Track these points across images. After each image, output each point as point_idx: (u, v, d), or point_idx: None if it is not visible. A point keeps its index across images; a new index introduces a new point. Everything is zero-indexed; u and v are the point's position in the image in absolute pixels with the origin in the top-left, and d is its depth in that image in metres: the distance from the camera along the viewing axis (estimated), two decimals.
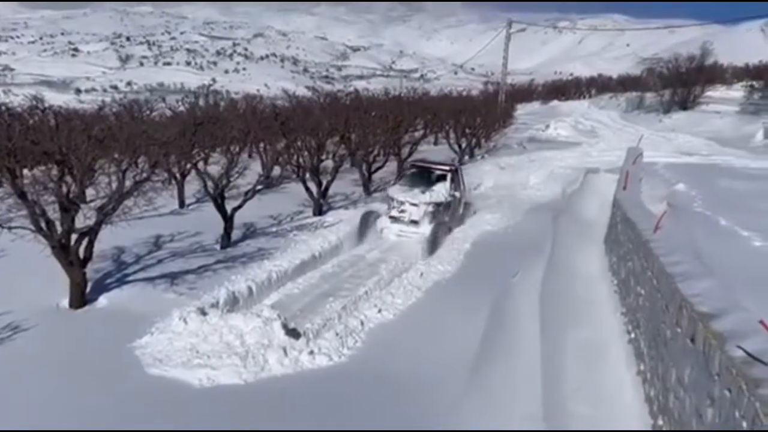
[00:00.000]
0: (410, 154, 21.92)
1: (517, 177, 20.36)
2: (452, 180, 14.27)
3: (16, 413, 5.99)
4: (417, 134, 24.91)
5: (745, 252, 8.95)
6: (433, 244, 12.40)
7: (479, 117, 28.44)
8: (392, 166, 21.07)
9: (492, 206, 16.25)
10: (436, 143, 31.01)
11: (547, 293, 9.70)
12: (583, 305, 9.53)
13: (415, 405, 6.26)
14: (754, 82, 38.89)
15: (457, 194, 14.52)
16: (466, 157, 25.91)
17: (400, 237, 13.24)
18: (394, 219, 13.54)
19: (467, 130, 27.29)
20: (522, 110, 54.95)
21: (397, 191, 14.02)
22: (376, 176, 19.39)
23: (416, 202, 13.49)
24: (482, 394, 6.63)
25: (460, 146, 26.22)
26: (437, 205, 13.60)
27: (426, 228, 13.05)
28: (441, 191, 13.88)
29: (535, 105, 62.79)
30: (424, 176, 14.43)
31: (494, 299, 9.19)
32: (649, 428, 6.14)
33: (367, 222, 13.33)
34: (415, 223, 13.35)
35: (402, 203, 13.61)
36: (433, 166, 14.87)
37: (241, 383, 6.67)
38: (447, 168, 14.66)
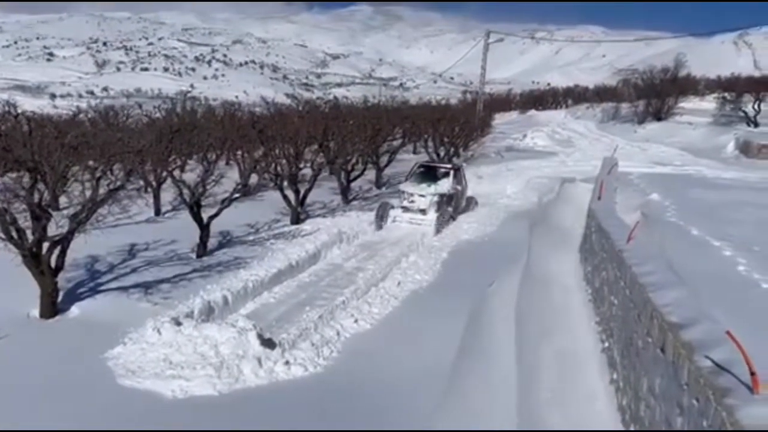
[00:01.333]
0: (389, 162, 22.03)
1: (494, 186, 20.49)
2: (454, 176, 16.61)
3: None
4: (396, 143, 25.03)
5: (714, 261, 9.12)
6: (439, 227, 14.74)
7: (458, 126, 28.63)
8: (371, 174, 21.13)
9: (469, 214, 16.36)
10: (415, 152, 31.13)
11: (523, 302, 9.79)
12: (558, 314, 9.63)
13: (392, 414, 6.25)
14: (726, 94, 39.68)
15: (459, 188, 16.80)
16: None
17: (410, 224, 15.36)
18: (405, 209, 15.81)
19: (446, 139, 27.45)
20: (500, 119, 55.56)
21: (407, 186, 16.26)
22: (354, 185, 19.42)
23: (424, 194, 15.71)
24: (459, 403, 6.65)
25: (438, 155, 26.37)
26: (442, 196, 15.83)
27: (432, 215, 15.36)
28: (445, 185, 16.16)
29: (513, 114, 63.45)
30: (431, 173, 16.79)
31: (471, 308, 9.23)
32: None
33: (383, 211, 15.48)
34: (422, 211, 15.63)
35: (412, 195, 15.82)
36: (439, 165, 17.65)
37: (215, 394, 6.60)
38: (450, 166, 17.28)
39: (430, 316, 8.90)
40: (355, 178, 19.04)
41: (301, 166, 16.40)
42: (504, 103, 72.85)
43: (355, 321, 8.69)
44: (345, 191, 18.47)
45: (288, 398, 6.60)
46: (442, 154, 26.68)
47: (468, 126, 30.37)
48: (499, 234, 14.22)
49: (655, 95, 42.94)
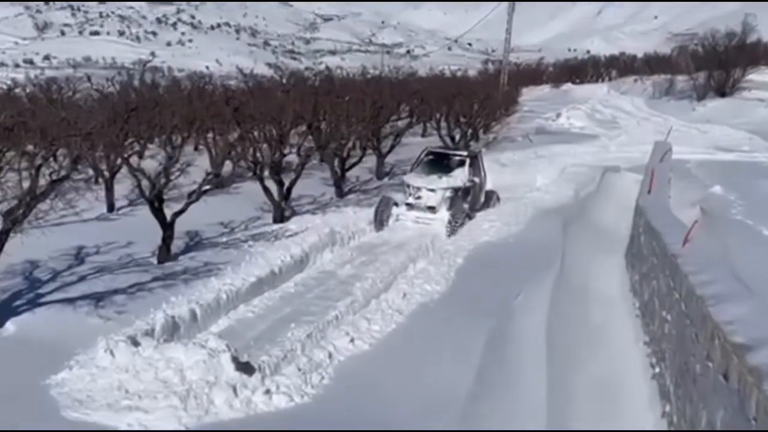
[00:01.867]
0: (392, 147, 22.07)
1: (521, 176, 20.53)
2: (471, 166, 16.33)
3: None
4: (401, 123, 25.07)
5: None
6: (453, 228, 14.63)
7: (477, 103, 28.65)
8: (370, 161, 21.18)
9: (489, 212, 16.37)
10: (424, 134, 31.22)
11: (555, 318, 9.79)
12: (598, 333, 9.64)
13: None
14: None
15: (477, 180, 16.49)
16: None
17: (417, 224, 15.31)
18: (410, 206, 15.62)
19: (462, 119, 27.53)
20: (528, 95, 55.60)
21: (413, 178, 16.12)
22: (350, 174, 19.49)
23: (433, 187, 15.55)
24: None
25: (452, 138, 26.43)
26: (455, 190, 15.70)
27: (444, 214, 15.24)
28: (459, 177, 15.94)
29: (545, 89, 63.48)
30: (442, 162, 16.54)
31: (492, 326, 9.24)
32: None
33: (384, 209, 15.33)
34: (432, 209, 15.46)
35: (418, 189, 15.65)
36: (452, 152, 17.48)
37: (181, 429, 6.62)
38: (465, 154, 17.05)
39: (442, 335, 8.91)
40: (352, 167, 19.11)
41: (286, 151, 16.43)
42: (533, 75, 72.89)
43: (351, 341, 8.70)
44: (339, 182, 18.53)
45: None
46: (457, 137, 26.72)
47: (489, 103, 30.43)
48: (527, 235, 14.22)
49: (718, 66, 42.88)
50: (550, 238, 13.80)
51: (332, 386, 7.64)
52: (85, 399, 7.08)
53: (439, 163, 16.56)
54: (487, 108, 29.78)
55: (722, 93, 41.88)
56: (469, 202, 16.11)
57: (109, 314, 9.41)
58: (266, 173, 15.64)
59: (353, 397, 7.39)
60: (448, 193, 15.61)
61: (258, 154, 15.56)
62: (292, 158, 16.85)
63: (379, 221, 15.16)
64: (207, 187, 12.70)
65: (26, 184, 9.18)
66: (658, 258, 9.16)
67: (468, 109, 28.00)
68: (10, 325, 8.97)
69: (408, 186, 15.95)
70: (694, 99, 42.69)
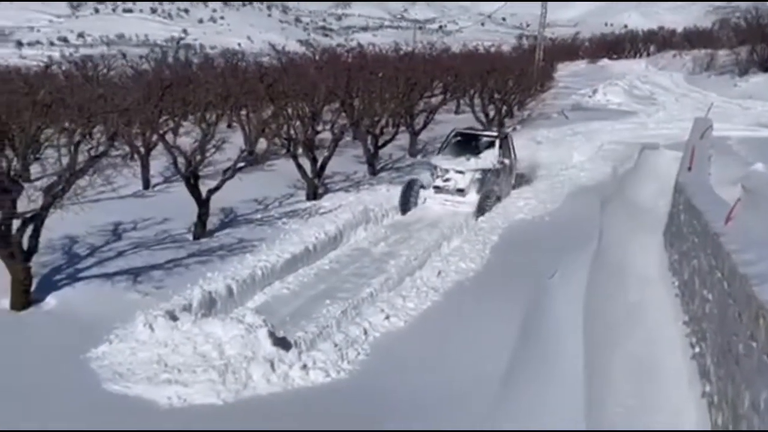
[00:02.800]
0: (425, 124, 21.96)
1: (556, 153, 20.32)
2: (501, 147, 15.95)
3: None
4: (434, 100, 24.92)
5: None
6: (481, 210, 14.20)
7: (511, 79, 28.35)
8: (403, 139, 21.10)
9: (525, 190, 16.27)
10: (457, 111, 31.02)
11: (593, 297, 9.73)
12: (637, 312, 9.55)
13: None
14: None
15: (507, 162, 16.13)
16: (494, 129, 25.84)
17: (444, 207, 14.95)
18: (438, 189, 15.23)
19: (496, 96, 27.27)
20: (564, 71, 54.85)
21: (441, 160, 15.79)
22: (383, 152, 19.43)
23: (462, 169, 15.19)
24: (511, 422, 6.67)
25: (486, 115, 26.18)
26: (485, 172, 15.30)
27: (473, 197, 14.79)
28: (489, 158, 15.54)
29: (581, 65, 62.63)
30: (471, 144, 16.17)
31: (528, 304, 9.22)
32: None
33: (410, 191, 14.91)
34: (460, 191, 15.03)
35: (446, 171, 15.33)
36: (480, 133, 17.16)
37: (219, 403, 6.73)
38: (495, 134, 16.71)
39: (478, 313, 8.92)
40: (385, 144, 19.04)
41: (319, 128, 16.44)
42: (569, 50, 71.85)
43: (386, 318, 8.75)
44: (372, 160, 18.49)
45: (306, 409, 6.70)
46: (491, 114, 26.47)
47: (524, 79, 30.09)
48: (563, 213, 14.13)
49: (762, 39, 41.78)
50: (587, 216, 13.69)
51: (368, 362, 7.71)
52: (125, 372, 7.24)
53: (467, 144, 16.16)
54: (522, 84, 29.44)
55: (765, 68, 40.80)
56: (499, 184, 15.64)
57: (147, 289, 9.57)
58: (300, 150, 15.67)
59: (388, 373, 7.46)
60: (477, 175, 15.18)
61: (291, 131, 15.58)
62: (326, 135, 16.85)
63: (405, 204, 14.77)
64: (241, 164, 12.76)
65: (65, 161, 9.34)
66: (698, 236, 9.02)
67: (502, 85, 27.71)
68: (51, 299, 9.17)
69: (436, 168, 15.64)
70: (735, 74, 41.66)
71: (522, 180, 17.17)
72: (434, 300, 9.49)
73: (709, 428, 6.67)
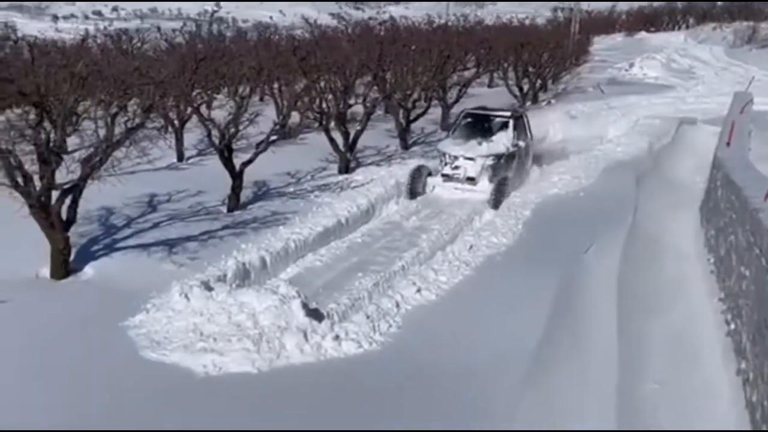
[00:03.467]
0: (458, 98, 21.80)
1: (591, 128, 20.12)
2: (515, 128, 14.77)
3: None
4: (468, 74, 24.72)
5: None
6: (497, 200, 13.15)
7: (546, 52, 27.99)
8: (435, 113, 20.99)
9: (559, 164, 16.12)
10: (490, 85, 30.75)
11: (627, 272, 9.67)
12: (671, 287, 9.49)
13: (459, 405, 6.35)
14: None
15: (522, 145, 14.97)
16: (528, 103, 25.61)
17: (454, 197, 13.93)
18: (447, 177, 14.18)
19: (530, 69, 26.98)
20: (600, 44, 53.97)
21: (449, 145, 14.62)
22: (415, 126, 19.35)
23: (472, 155, 14.08)
24: (543, 396, 6.69)
25: (521, 89, 25.93)
26: (498, 157, 14.19)
27: (485, 186, 13.74)
28: (502, 141, 14.45)
29: (617, 38, 61.65)
30: (482, 125, 14.96)
31: (561, 279, 9.19)
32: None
33: (418, 179, 14.01)
34: (471, 180, 13.98)
35: (455, 158, 14.19)
36: (492, 113, 15.49)
37: (254, 372, 6.84)
38: (509, 114, 15.24)
39: (510, 288, 8.91)
40: (417, 118, 18.95)
41: (351, 102, 16.42)
42: (606, 23, 70.63)
43: (418, 291, 8.79)
44: (404, 134, 18.44)
45: (339, 379, 6.79)
46: (525, 88, 26.19)
47: (559, 52, 29.72)
48: (598, 188, 13.99)
49: None
50: (622, 192, 13.54)
51: (400, 334, 7.78)
52: (162, 340, 7.39)
53: (478, 126, 14.96)
54: (557, 57, 29.08)
55: None
56: (514, 169, 14.55)
57: (182, 260, 9.72)
58: (332, 124, 15.68)
59: (420, 345, 7.51)
60: (489, 161, 14.07)
61: (324, 105, 15.58)
62: (358, 109, 16.83)
63: (412, 192, 13.85)
64: (274, 137, 12.84)
65: (102, 133, 9.47)
66: (737, 212, 8.89)
67: (536, 59, 27.38)
68: (89, 269, 9.37)
69: (443, 155, 14.50)
70: None
71: (542, 161, 16.16)
72: (466, 274, 9.51)
73: (743, 406, 6.63)
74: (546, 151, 17.77)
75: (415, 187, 13.93)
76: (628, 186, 13.89)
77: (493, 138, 14.49)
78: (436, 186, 14.17)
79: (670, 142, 18.66)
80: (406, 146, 18.27)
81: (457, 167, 14.12)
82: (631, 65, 37.18)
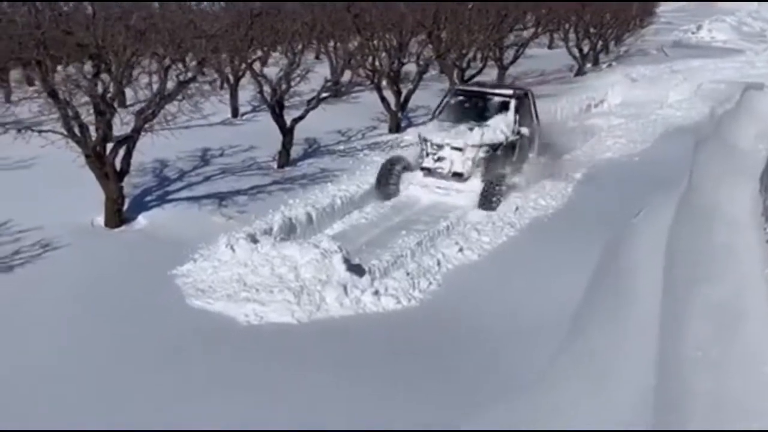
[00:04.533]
0: (515, 58, 21.40)
1: (652, 92, 19.58)
2: (518, 111, 11.94)
3: (42, 344, 6.55)
4: (526, 34, 24.18)
5: None
6: (488, 202, 10.57)
7: (608, 13, 27.15)
8: (491, 73, 20.67)
9: (615, 128, 15.75)
10: (550, 46, 30.09)
11: (676, 238, 9.47)
12: (722, 256, 9.27)
13: (496, 363, 6.38)
14: None
15: (526, 132, 12.19)
16: (588, 65, 25.02)
17: (437, 195, 11.32)
18: (428, 171, 11.47)
19: (592, 30, 26.23)
20: (666, 5, 51.94)
21: (433, 130, 11.82)
22: None
23: (460, 144, 11.27)
24: (581, 358, 6.66)
25: (580, 50, 25.29)
26: (494, 148, 11.43)
27: (476, 184, 11.02)
28: (500, 127, 11.62)
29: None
30: (476, 106, 12.17)
31: (607, 243, 9.07)
32: None
33: (389, 175, 11.43)
34: (458, 176, 11.26)
35: (439, 147, 11.42)
36: (489, 90, 12.57)
37: (294, 322, 7.00)
38: (510, 93, 12.26)
39: (554, 250, 8.84)
40: (471, 78, 18.68)
41: (405, 60, 16.29)
42: None
43: (460, 250, 8.79)
44: None
45: (377, 333, 6.89)
46: (585, 49, 25.54)
47: (622, 13, 28.73)
48: (653, 153, 13.68)
49: None
50: (679, 157, 13.19)
51: (439, 292, 7.82)
52: (207, 289, 7.61)
53: (471, 107, 12.18)
54: (620, 18, 28.17)
55: None
56: (514, 163, 11.91)
57: (231, 213, 9.93)
58: (384, 83, 15.62)
59: (459, 304, 7.54)
60: (482, 153, 11.29)
61: (377, 63, 15.51)
62: (411, 68, 16.70)
63: (383, 187, 11.33)
64: (325, 94, 12.84)
65: (155, 86, 9.65)
66: None
67: (599, 19, 26.60)
68: (142, 219, 9.66)
69: (425, 141, 11.64)
70: None
71: (549, 152, 13.01)
72: (510, 235, 9.47)
73: None
74: (603, 113, 17.36)
75: (385, 186, 11.32)
76: (685, 151, 13.52)
77: (490, 123, 11.62)
78: (411, 184, 11.49)
79: (734, 108, 18.04)
80: None
81: (441, 159, 11.37)
82: (699, 28, 35.92)
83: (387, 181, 11.32)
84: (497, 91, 12.49)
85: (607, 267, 8.44)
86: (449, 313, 7.31)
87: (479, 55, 20.15)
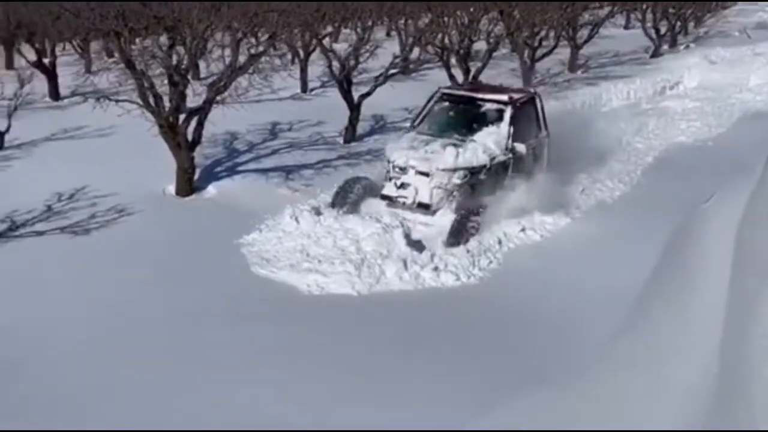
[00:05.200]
0: (590, 38, 20.89)
1: (731, 75, 18.77)
2: (515, 121, 9.49)
3: (113, 306, 6.85)
4: (602, 12, 23.55)
5: None
6: (457, 238, 8.32)
7: None
8: (563, 53, 20.25)
9: (689, 111, 15.25)
10: (626, 26, 29.18)
11: (749, 227, 9.11)
12: None
13: (552, 343, 6.34)
14: None
15: (522, 150, 9.49)
16: (665, 47, 24.18)
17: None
18: (389, 200, 9.00)
19: (671, 10, 25.29)
20: None
21: (399, 147, 9.24)
22: (540, 66, 18.77)
23: (426, 169, 8.83)
24: (641, 342, 6.55)
25: (657, 31, 24.43)
26: (473, 172, 8.97)
27: (445, 218, 8.66)
28: (486, 144, 9.18)
29: None
30: (464, 115, 9.89)
31: (675, 229, 8.80)
32: None
33: (346, 195, 9.13)
34: (424, 207, 8.84)
35: (402, 171, 8.99)
36: (480, 96, 10.06)
37: (353, 294, 7.13)
38: (504, 99, 9.74)
39: (617, 233, 8.66)
40: (542, 57, 18.36)
41: (475, 38, 16.10)
42: None
43: (522, 230, 8.70)
44: (528, 73, 17.92)
45: (435, 308, 6.94)
46: (663, 30, 24.71)
47: None
48: (729, 138, 13.21)
49: None
50: (756, 144, 12.60)
51: (499, 271, 7.81)
52: (272, 258, 7.83)
53: (458, 115, 9.90)
54: None
55: None
56: (505, 188, 9.20)
57: (297, 186, 10.14)
58: (453, 60, 15.49)
59: (518, 284, 7.51)
60: (457, 179, 8.85)
61: (446, 40, 15.39)
62: (481, 45, 16.50)
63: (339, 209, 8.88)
64: (394, 70, 12.85)
65: (228, 59, 9.88)
66: None
67: None
68: (211, 189, 9.96)
69: (389, 163, 9.19)
70: None
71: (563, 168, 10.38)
72: (574, 216, 9.31)
73: None
74: (678, 95, 16.79)
75: (341, 206, 8.96)
76: (763, 137, 12.95)
77: (476, 137, 9.27)
78: (369, 213, 8.75)
79: None
80: (529, 86, 17.78)
81: (404, 185, 8.92)
82: None
83: (343, 202, 9.00)
84: (490, 96, 9.97)
85: (673, 251, 8.19)
86: (507, 292, 7.29)
87: (552, 34, 19.73)
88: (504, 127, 9.40)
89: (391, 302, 7.04)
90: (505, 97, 9.78)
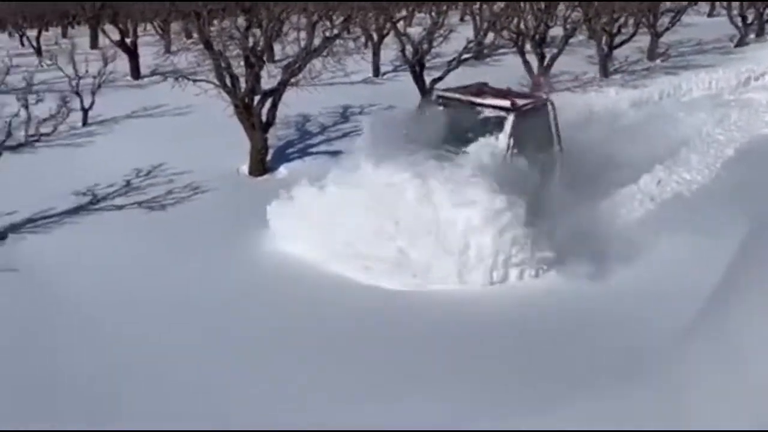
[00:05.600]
0: (672, 25, 20.22)
1: None
2: (515, 132, 8.24)
3: (176, 281, 7.10)
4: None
5: None
6: None
7: None
8: (643, 40, 19.67)
9: None
10: (711, 14, 28.18)
11: None
12: None
13: (618, 340, 6.22)
14: None
15: (524, 164, 8.10)
16: (752, 35, 23.17)
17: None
18: None
19: None
20: None
21: (376, 161, 7.85)
22: (618, 53, 18.29)
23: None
24: (712, 343, 6.36)
25: (743, 18, 23.43)
26: None
27: None
28: (479, 159, 7.96)
29: None
30: (459, 123, 8.61)
31: (754, 225, 8.50)
32: None
33: None
34: None
35: None
36: (478, 101, 8.66)
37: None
38: (506, 105, 8.41)
39: (692, 226, 8.39)
40: (621, 44, 17.87)
41: (551, 23, 15.80)
42: None
43: None
44: (605, 61, 17.49)
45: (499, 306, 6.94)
46: (750, 18, 23.68)
47: None
48: None
49: None
50: None
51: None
52: None
53: (452, 124, 8.58)
54: None
55: None
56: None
57: None
58: (528, 46, 15.25)
59: (589, 276, 7.35)
60: None
61: (522, 25, 15.15)
62: (557, 31, 16.18)
63: None
64: (467, 55, 12.73)
65: (303, 42, 9.98)
66: None
67: None
68: (283, 169, 10.13)
69: None
70: None
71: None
72: (648, 209, 9.09)
73: None
74: (763, 86, 16.12)
75: None
76: None
77: (470, 149, 8.13)
78: None
79: None
80: (606, 73, 17.35)
81: None
82: None
83: None
84: (489, 101, 8.57)
85: (751, 250, 7.92)
86: (579, 285, 7.16)
87: (632, 21, 19.17)
88: (503, 138, 8.18)
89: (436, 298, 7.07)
90: (506, 103, 8.41)
